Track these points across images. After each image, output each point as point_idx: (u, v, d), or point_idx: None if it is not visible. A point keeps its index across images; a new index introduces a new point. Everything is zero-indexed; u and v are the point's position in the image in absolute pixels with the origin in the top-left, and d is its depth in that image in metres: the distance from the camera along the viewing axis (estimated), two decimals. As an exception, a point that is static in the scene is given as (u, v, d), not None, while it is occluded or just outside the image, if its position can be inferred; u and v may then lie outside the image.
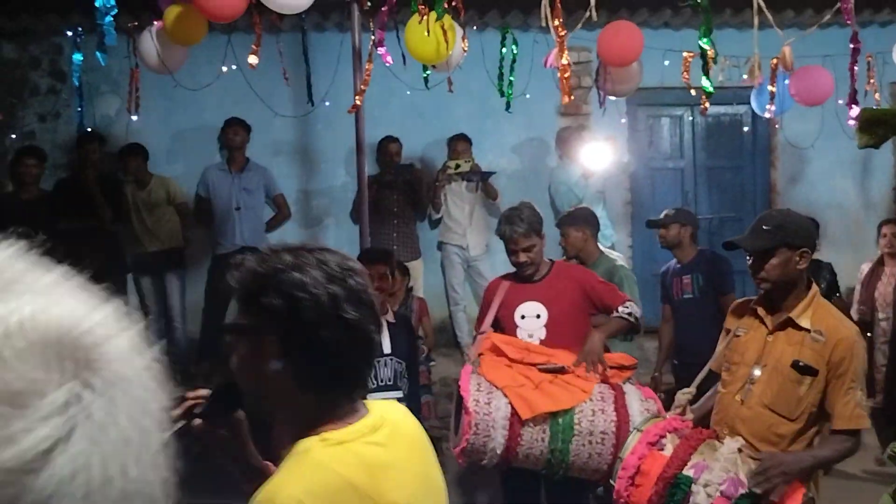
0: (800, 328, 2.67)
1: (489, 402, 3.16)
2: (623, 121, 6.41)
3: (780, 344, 2.69)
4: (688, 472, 2.54)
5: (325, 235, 6.51)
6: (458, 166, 6.11)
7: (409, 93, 5.10)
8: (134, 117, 4.85)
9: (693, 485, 2.50)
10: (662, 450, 2.66)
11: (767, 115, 4.86)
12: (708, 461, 2.56)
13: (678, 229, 4.55)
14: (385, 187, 6.18)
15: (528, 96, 4.59)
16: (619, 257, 4.72)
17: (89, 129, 5.85)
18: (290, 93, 5.59)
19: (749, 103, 5.47)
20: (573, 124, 6.54)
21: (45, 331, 0.58)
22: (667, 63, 5.06)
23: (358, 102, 3.64)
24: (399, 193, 6.23)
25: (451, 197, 6.28)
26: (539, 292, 3.51)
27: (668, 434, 2.73)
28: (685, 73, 3.81)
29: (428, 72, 4.20)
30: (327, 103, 5.38)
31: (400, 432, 1.30)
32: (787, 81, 4.58)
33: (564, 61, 3.52)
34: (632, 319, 3.50)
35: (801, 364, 2.62)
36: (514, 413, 3.13)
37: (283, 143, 6.37)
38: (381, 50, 3.66)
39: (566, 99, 3.58)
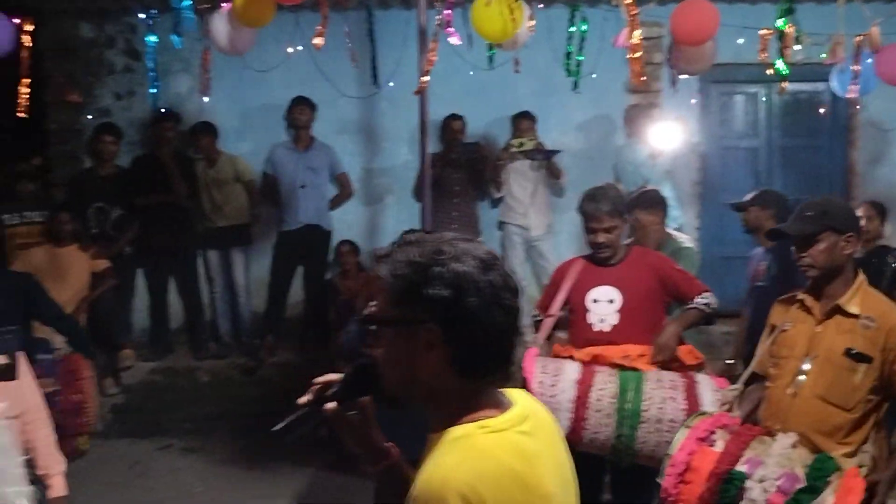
0: (849, 315, 2.63)
1: (554, 385, 3.13)
2: (694, 100, 6.22)
3: (830, 333, 2.65)
4: (741, 467, 2.50)
5: (386, 213, 6.55)
6: (521, 144, 6.05)
7: (472, 72, 5.04)
8: (205, 98, 4.94)
9: (747, 480, 2.45)
10: (713, 446, 2.62)
11: (851, 96, 4.63)
12: (761, 456, 2.52)
13: (757, 212, 4.30)
14: (448, 165, 6.16)
15: (594, 76, 4.47)
16: (686, 239, 4.60)
17: (165, 109, 6.00)
18: (356, 73, 5.62)
19: (828, 80, 5.23)
20: (642, 102, 6.37)
21: None
22: (741, 41, 4.86)
23: (423, 84, 3.61)
24: (461, 172, 6.20)
25: (513, 176, 6.22)
26: (614, 277, 3.41)
27: (717, 430, 2.68)
28: (762, 51, 3.65)
29: (493, 51, 4.14)
30: (391, 84, 5.38)
31: (542, 423, 1.36)
32: (870, 60, 4.35)
33: (635, 40, 3.41)
34: (708, 310, 3.40)
35: (854, 352, 2.58)
36: (580, 397, 3.09)
37: (347, 121, 6.40)
38: (448, 30, 3.62)
39: (638, 80, 3.47)
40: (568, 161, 6.45)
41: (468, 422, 1.26)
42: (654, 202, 4.30)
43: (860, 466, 2.51)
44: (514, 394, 1.37)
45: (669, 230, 4.62)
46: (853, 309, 2.63)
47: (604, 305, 3.40)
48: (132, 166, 6.04)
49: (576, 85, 4.14)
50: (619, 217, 3.40)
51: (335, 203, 6.33)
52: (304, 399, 1.40)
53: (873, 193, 6.60)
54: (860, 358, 2.57)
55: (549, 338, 3.70)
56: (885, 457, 2.64)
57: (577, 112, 6.49)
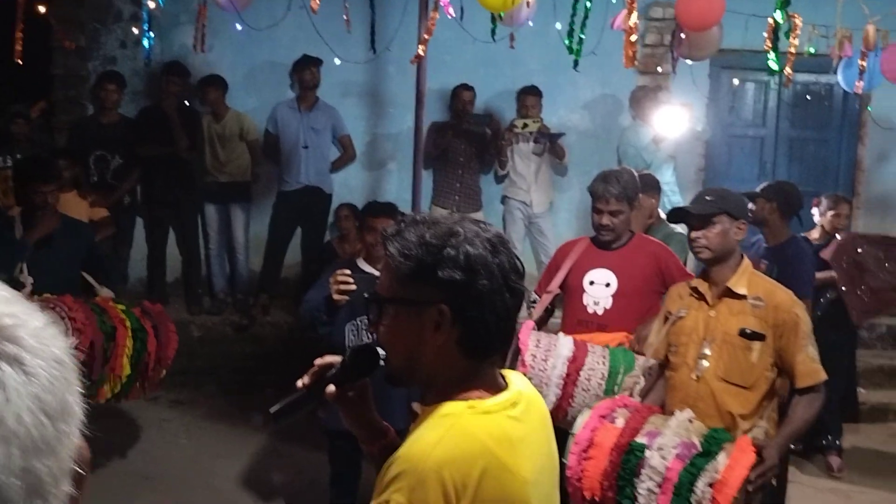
0: (738, 296, 2.77)
1: (546, 360, 3.16)
2: (702, 85, 6.14)
3: (724, 316, 2.78)
4: (641, 439, 2.60)
5: (388, 179, 6.54)
6: (525, 126, 6.00)
7: (485, 43, 4.98)
8: (201, 53, 4.90)
9: (647, 450, 2.56)
10: (614, 422, 2.71)
11: (856, 91, 4.57)
12: (660, 429, 2.62)
13: (763, 205, 4.17)
14: (456, 136, 6.12)
15: (595, 54, 4.42)
16: (679, 225, 4.58)
17: (172, 61, 5.96)
18: (358, 36, 5.56)
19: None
20: (651, 84, 6.31)
21: None
22: (752, 28, 4.77)
23: (421, 52, 3.57)
24: (469, 144, 6.17)
25: (517, 153, 6.19)
26: (613, 261, 3.43)
27: (618, 409, 2.79)
28: (768, 39, 3.60)
29: (495, 24, 4.09)
30: (389, 50, 5.32)
31: (532, 408, 1.36)
32: (877, 56, 4.28)
33: (632, 23, 3.36)
34: None
35: (748, 331, 2.72)
36: (570, 374, 3.13)
37: (353, 84, 6.35)
38: (443, 2, 3.57)
39: (630, 63, 3.44)
40: (573, 139, 6.41)
41: (460, 400, 1.27)
42: (651, 186, 4.28)
43: (754, 438, 2.63)
44: (510, 376, 1.38)
45: (662, 214, 4.61)
46: (741, 290, 2.76)
47: (600, 288, 3.42)
48: (138, 117, 6.03)
49: (576, 63, 4.09)
50: (626, 202, 3.40)
51: (337, 165, 6.31)
52: (302, 381, 1.40)
53: (880, 190, 6.56)
54: (754, 336, 2.70)
55: (549, 313, 3.75)
56: (773, 431, 2.77)
57: (585, 90, 6.44)
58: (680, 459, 2.50)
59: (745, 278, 2.79)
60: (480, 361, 1.31)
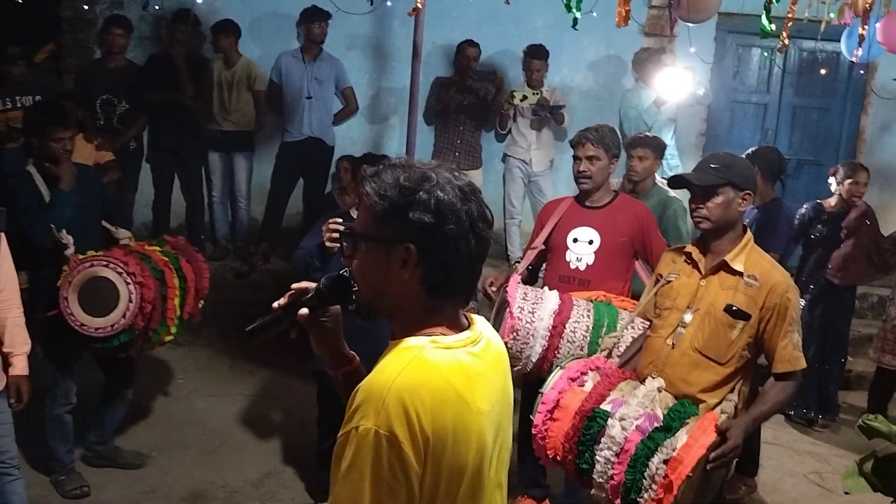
0: (733, 272, 2.66)
1: (533, 312, 3.25)
2: (703, 49, 6.11)
3: (714, 288, 2.69)
4: (605, 406, 2.58)
5: (390, 133, 6.58)
6: (524, 98, 6.00)
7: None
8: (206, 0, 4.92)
9: (609, 419, 2.54)
10: (583, 386, 2.71)
11: (853, 59, 4.56)
12: (627, 397, 2.60)
13: None
14: (459, 92, 6.14)
15: (594, 14, 4.42)
16: (674, 191, 4.63)
17: (182, 8, 5.97)
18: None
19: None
20: (655, 46, 6.28)
21: None
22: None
23: (419, 5, 3.61)
24: (472, 101, 6.18)
25: (519, 112, 6.20)
26: (596, 219, 3.51)
27: (590, 371, 2.77)
28: (768, 2, 3.60)
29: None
30: (390, 3, 5.32)
31: (491, 347, 1.45)
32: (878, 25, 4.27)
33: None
34: None
35: (734, 308, 2.62)
36: (556, 326, 3.22)
37: (357, 37, 6.36)
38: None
39: (620, 22, 3.46)
40: (575, 100, 6.42)
41: (423, 335, 1.35)
42: (654, 146, 4.31)
43: (721, 413, 2.58)
44: (473, 318, 1.46)
45: (658, 179, 4.66)
46: (738, 266, 2.65)
47: (583, 245, 3.50)
48: (146, 63, 6.07)
49: (575, 22, 4.10)
50: (604, 150, 3.45)
51: (339, 117, 6.34)
52: (278, 303, 1.49)
53: (880, 161, 6.56)
54: (739, 315, 2.61)
55: (535, 271, 3.84)
56: (743, 409, 2.71)
57: (589, 50, 6.42)
58: (640, 431, 2.48)
59: (745, 254, 2.68)
60: (443, 300, 1.38)
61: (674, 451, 2.41)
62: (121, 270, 3.42)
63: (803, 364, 2.64)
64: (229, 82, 6.06)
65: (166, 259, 3.73)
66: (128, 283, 3.42)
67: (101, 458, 4.00)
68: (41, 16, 6.11)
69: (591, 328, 3.23)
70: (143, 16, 6.25)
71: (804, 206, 4.98)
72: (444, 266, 1.35)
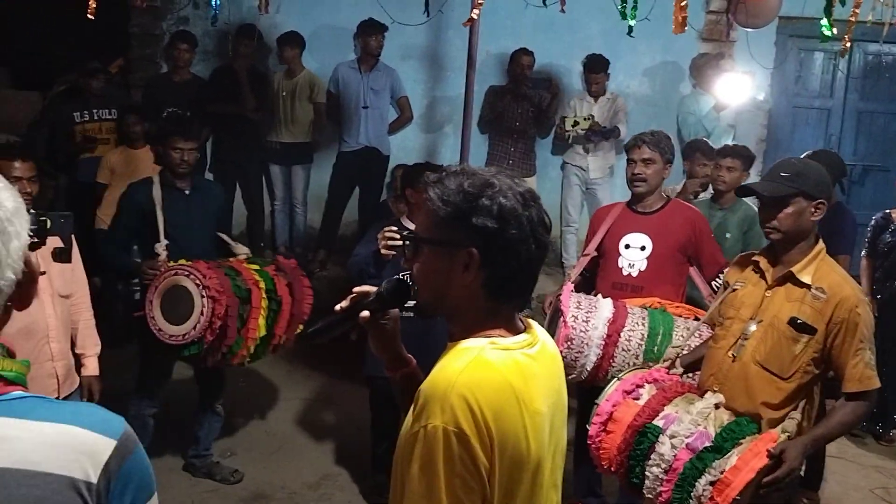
0: (801, 284, 2.55)
1: (587, 321, 3.24)
2: (764, 54, 6.01)
3: (779, 300, 2.58)
4: (658, 422, 2.52)
5: (443, 142, 6.64)
6: (575, 124, 6.00)
7: (540, 7, 5.00)
8: (266, 14, 5.05)
9: (661, 435, 2.47)
10: (638, 399, 2.64)
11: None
12: (680, 414, 2.52)
13: None
14: (515, 100, 6.16)
15: (649, 20, 4.39)
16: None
17: (245, 23, 6.16)
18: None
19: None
20: (714, 52, 6.20)
21: None
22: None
23: (474, 16, 3.65)
24: (526, 109, 6.20)
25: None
26: (649, 224, 3.48)
27: (646, 384, 2.70)
28: (832, 7, 3.53)
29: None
30: (443, 12, 5.37)
31: (546, 350, 1.48)
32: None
33: (682, -13, 3.36)
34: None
35: (798, 321, 2.52)
36: (610, 335, 3.20)
37: (413, 47, 6.44)
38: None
39: (677, 28, 3.44)
40: (631, 106, 6.38)
41: (482, 336, 1.39)
42: (741, 154, 4.21)
43: (782, 432, 2.47)
44: (529, 322, 1.50)
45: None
46: (805, 278, 2.54)
47: (635, 252, 3.48)
48: (210, 76, 6.27)
49: (630, 29, 4.09)
50: (659, 154, 3.42)
51: (394, 127, 6.43)
52: (340, 306, 1.55)
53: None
54: (804, 328, 2.51)
55: (588, 277, 3.81)
56: (808, 426, 2.59)
57: (646, 57, 6.38)
58: (690, 450, 2.41)
59: (814, 266, 2.55)
60: (502, 303, 1.42)
61: (722, 473, 2.33)
62: (199, 283, 3.41)
63: (876, 384, 2.50)
64: (291, 94, 6.21)
65: (258, 279, 3.63)
66: (203, 296, 3.41)
67: (199, 472, 4.04)
68: (112, 32, 6.37)
69: (646, 336, 3.19)
70: (207, 31, 6.45)
71: (874, 217, 4.82)
72: (505, 270, 1.38)
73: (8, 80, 7.92)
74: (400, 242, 3.19)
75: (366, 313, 1.52)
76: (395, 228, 3.27)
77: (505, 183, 1.40)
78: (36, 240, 2.81)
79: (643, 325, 3.23)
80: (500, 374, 1.34)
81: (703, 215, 3.68)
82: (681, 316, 3.29)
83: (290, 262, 3.91)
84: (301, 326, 3.75)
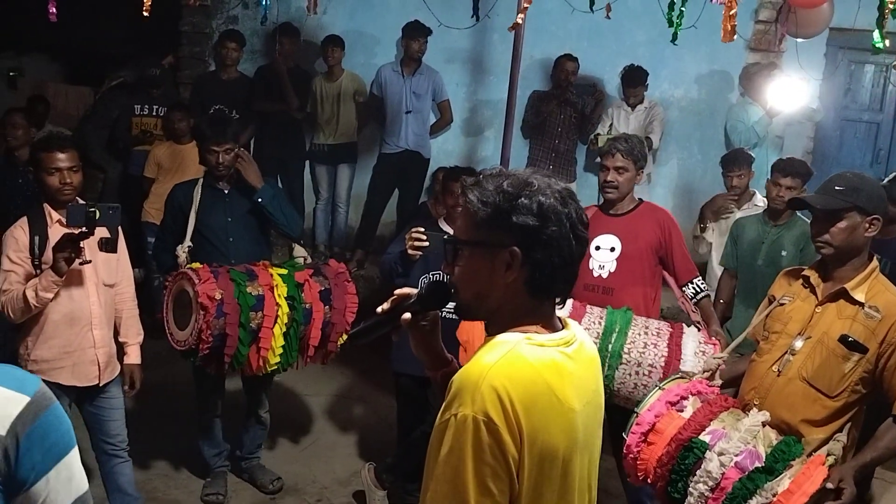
0: (853, 301, 2.48)
1: None
2: (818, 64, 5.91)
3: (830, 316, 2.51)
4: (704, 437, 2.43)
5: (484, 146, 6.65)
6: (606, 142, 5.94)
7: (586, 13, 4.99)
8: (314, 15, 5.11)
9: (707, 451, 2.38)
10: (682, 411, 2.55)
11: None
12: (728, 430, 2.43)
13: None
14: (556, 106, 6.15)
15: (696, 28, 4.35)
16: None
17: (284, 22, 6.25)
18: (465, 2, 5.64)
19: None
20: (762, 61, 6.12)
21: None
22: (861, 7, 4.55)
23: (519, 21, 3.66)
24: (568, 113, 6.18)
25: (615, 125, 6.16)
26: (619, 226, 3.49)
27: (690, 396, 2.60)
28: (882, 17, 3.45)
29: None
30: (489, 17, 5.40)
31: (585, 351, 1.49)
32: None
33: (730, -4, 3.32)
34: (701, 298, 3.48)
35: (850, 339, 2.44)
36: None
37: (457, 51, 6.47)
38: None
39: (725, 37, 3.40)
40: (675, 115, 6.33)
41: (517, 331, 1.40)
42: (800, 170, 4.06)
43: (828, 455, 2.39)
44: (567, 321, 1.51)
45: (760, 198, 4.53)
46: (859, 296, 2.47)
47: (605, 253, 3.49)
48: (255, 74, 6.37)
49: (675, 37, 4.06)
50: (632, 162, 3.44)
51: (434, 130, 6.46)
52: (382, 308, 1.57)
53: None
54: (855, 347, 2.44)
55: None
56: (850, 448, 2.51)
57: (691, 65, 6.31)
58: (739, 469, 2.32)
59: (868, 283, 2.49)
60: (543, 301, 1.44)
61: (774, 496, 2.25)
62: (197, 289, 3.23)
63: None
64: (335, 96, 6.27)
65: (276, 283, 3.40)
66: (192, 302, 3.24)
67: (242, 474, 4.03)
68: (162, 29, 6.51)
69: (600, 335, 3.14)
70: (255, 30, 6.56)
71: None
72: (548, 267, 1.39)
73: (62, 76, 8.17)
74: (427, 243, 3.25)
75: (407, 315, 1.54)
76: (421, 229, 3.30)
77: (543, 181, 1.42)
78: (86, 230, 2.91)
79: (599, 324, 3.18)
80: (532, 368, 1.34)
81: (674, 220, 3.57)
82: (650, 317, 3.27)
83: (336, 267, 3.69)
84: (344, 336, 3.58)
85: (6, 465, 1.08)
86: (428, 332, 1.61)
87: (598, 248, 3.50)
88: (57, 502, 1.12)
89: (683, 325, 3.23)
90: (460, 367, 1.57)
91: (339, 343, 3.60)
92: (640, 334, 3.09)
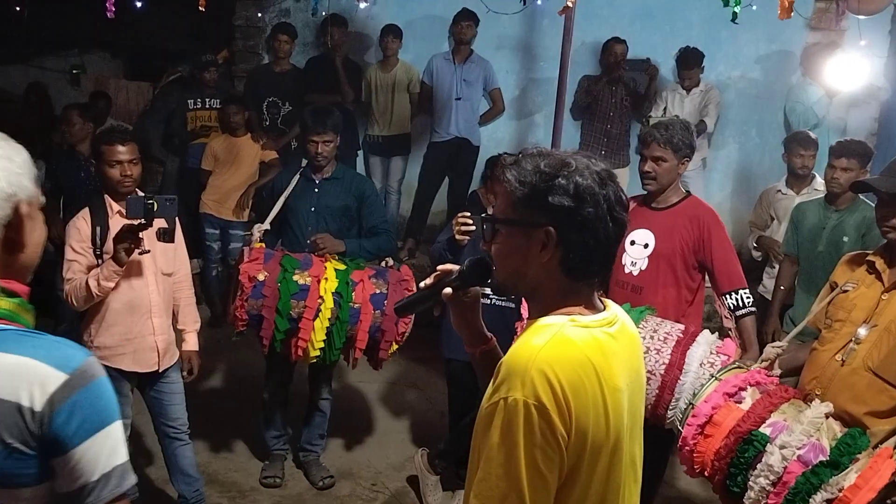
0: None
1: None
2: (883, 42, 5.68)
3: None
4: (765, 429, 2.34)
5: (535, 131, 6.60)
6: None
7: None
8: (365, 5, 5.14)
9: (769, 444, 2.29)
10: (740, 403, 2.46)
11: None
12: (789, 422, 2.33)
13: None
14: (609, 86, 6.06)
15: (754, 8, 4.23)
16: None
17: (333, 13, 6.30)
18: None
19: None
20: (823, 40, 5.92)
21: None
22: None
23: (570, 4, 3.62)
24: (620, 96, 6.08)
25: (669, 108, 6.04)
26: (656, 221, 3.24)
27: (748, 387, 2.50)
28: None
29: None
30: (537, 1, 5.34)
31: (626, 331, 1.50)
32: None
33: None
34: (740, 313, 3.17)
35: None
36: None
37: (507, 37, 6.42)
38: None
39: (782, 14, 3.29)
40: (731, 97, 6.18)
41: (561, 314, 1.41)
42: (856, 151, 3.90)
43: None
44: (608, 302, 1.51)
45: (819, 181, 4.41)
46: None
47: (639, 249, 3.26)
48: (307, 65, 6.44)
49: (734, 16, 3.95)
50: (672, 151, 3.16)
51: (485, 118, 6.44)
52: (425, 283, 1.63)
53: None
54: None
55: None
56: None
57: (748, 46, 6.14)
58: (802, 463, 2.23)
59: None
60: (580, 282, 1.44)
61: (840, 490, 2.15)
62: (240, 266, 3.39)
63: None
64: (390, 86, 6.30)
65: (325, 277, 3.41)
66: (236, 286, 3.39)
67: (301, 465, 4.06)
68: (217, 24, 6.64)
69: None
70: (307, 22, 6.63)
71: None
72: (583, 248, 1.39)
73: (122, 71, 8.42)
74: (473, 228, 3.25)
75: (448, 290, 1.57)
76: (468, 214, 3.30)
77: (581, 162, 1.41)
78: (146, 221, 2.99)
79: None
80: (579, 350, 1.35)
81: (719, 219, 3.29)
82: (678, 322, 3.01)
83: (401, 274, 3.63)
84: (395, 346, 3.54)
85: (41, 433, 1.19)
86: (468, 306, 1.63)
87: (632, 242, 3.28)
88: (86, 471, 1.21)
89: (700, 331, 2.95)
90: (501, 346, 1.58)
91: (389, 352, 3.55)
92: (645, 337, 2.89)
